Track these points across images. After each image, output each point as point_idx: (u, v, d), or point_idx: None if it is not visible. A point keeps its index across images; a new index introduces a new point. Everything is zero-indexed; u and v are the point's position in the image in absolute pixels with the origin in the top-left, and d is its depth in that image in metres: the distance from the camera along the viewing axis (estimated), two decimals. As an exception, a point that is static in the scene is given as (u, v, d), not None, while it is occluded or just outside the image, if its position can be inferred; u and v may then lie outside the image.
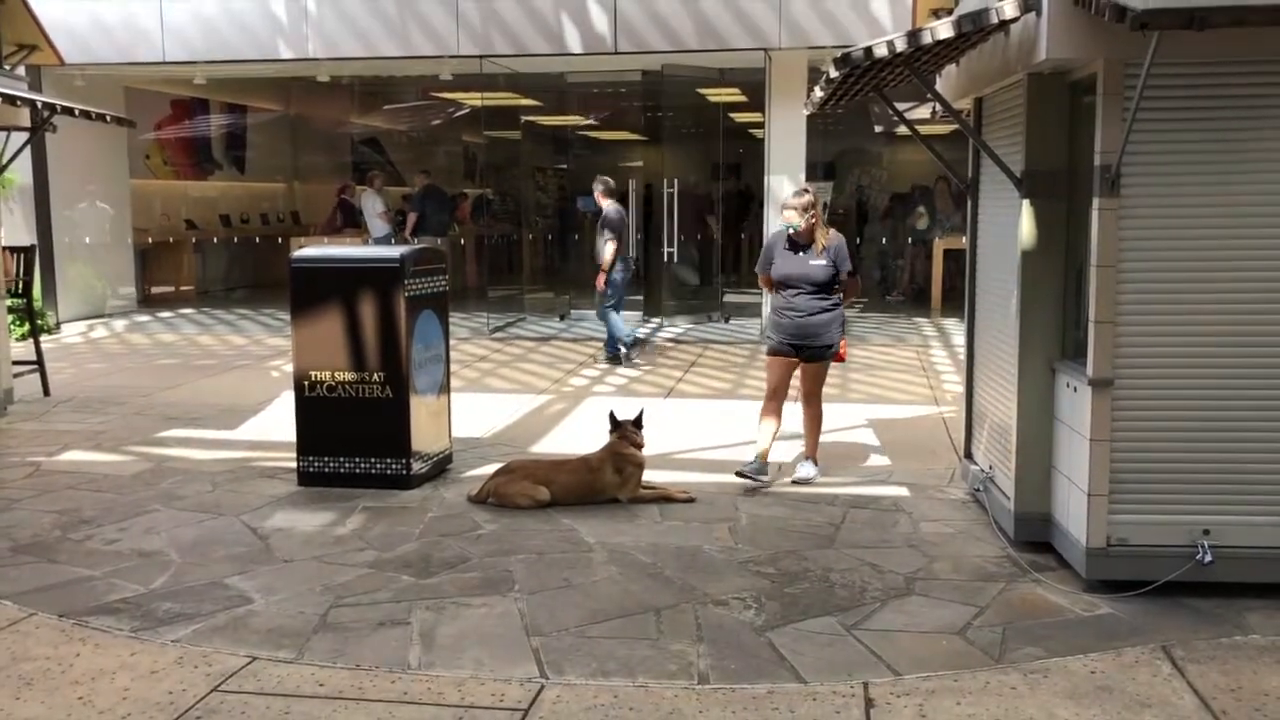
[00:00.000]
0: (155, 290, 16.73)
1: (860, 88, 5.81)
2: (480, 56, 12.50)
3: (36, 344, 9.34)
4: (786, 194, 7.41)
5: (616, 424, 6.36)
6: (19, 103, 8.07)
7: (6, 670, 4.03)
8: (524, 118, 17.30)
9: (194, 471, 6.84)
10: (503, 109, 16.54)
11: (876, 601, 4.72)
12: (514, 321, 13.89)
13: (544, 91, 16.24)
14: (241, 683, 3.93)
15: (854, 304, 11.18)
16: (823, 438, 6.79)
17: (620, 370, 10.45)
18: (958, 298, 9.12)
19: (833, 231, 6.64)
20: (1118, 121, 4.48)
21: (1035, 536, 5.27)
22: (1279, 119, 4.50)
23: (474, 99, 16.08)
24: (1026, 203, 5.11)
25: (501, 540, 5.53)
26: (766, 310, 7.90)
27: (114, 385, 9.77)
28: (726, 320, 13.84)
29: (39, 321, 10.49)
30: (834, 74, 4.97)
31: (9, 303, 9.14)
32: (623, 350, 10.66)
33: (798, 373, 6.61)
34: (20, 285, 9.38)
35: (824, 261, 6.43)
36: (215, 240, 17.76)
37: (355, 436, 6.41)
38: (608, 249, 10.40)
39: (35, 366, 9.22)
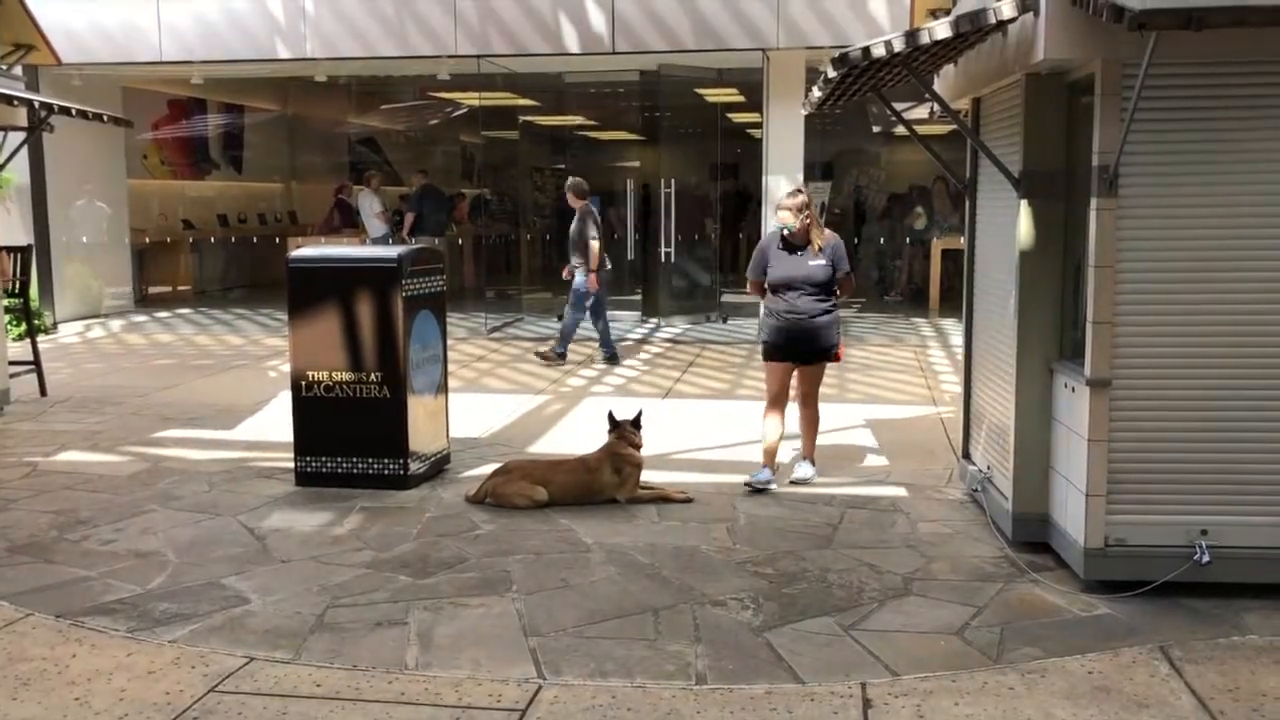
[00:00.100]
0: (152, 290, 16.72)
1: (858, 88, 5.81)
2: (478, 56, 12.50)
3: (33, 344, 9.32)
4: (780, 194, 7.40)
5: (615, 424, 6.36)
6: (16, 102, 8.08)
7: (3, 671, 4.02)
8: (521, 118, 17.30)
9: (191, 472, 6.83)
10: (500, 109, 16.53)
11: (874, 602, 4.72)
12: (512, 321, 13.88)
13: (541, 91, 16.24)
14: (238, 683, 3.92)
15: (849, 303, 11.18)
16: (820, 438, 6.79)
17: (618, 370, 10.45)
18: (955, 298, 9.13)
19: (828, 231, 6.62)
20: (1115, 122, 4.48)
21: (1033, 537, 5.27)
22: (1277, 119, 4.50)
23: (471, 99, 16.06)
24: (1024, 203, 5.11)
25: (499, 540, 5.52)
26: (762, 313, 7.87)
27: (111, 385, 9.76)
28: (724, 320, 13.83)
29: (36, 321, 10.46)
30: (832, 74, 4.96)
31: (6, 303, 9.12)
32: (555, 346, 10.72)
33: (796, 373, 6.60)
34: (17, 285, 9.36)
35: (823, 262, 6.41)
36: (212, 240, 17.73)
37: (353, 436, 6.40)
38: (594, 247, 10.44)
39: (32, 366, 9.20)
